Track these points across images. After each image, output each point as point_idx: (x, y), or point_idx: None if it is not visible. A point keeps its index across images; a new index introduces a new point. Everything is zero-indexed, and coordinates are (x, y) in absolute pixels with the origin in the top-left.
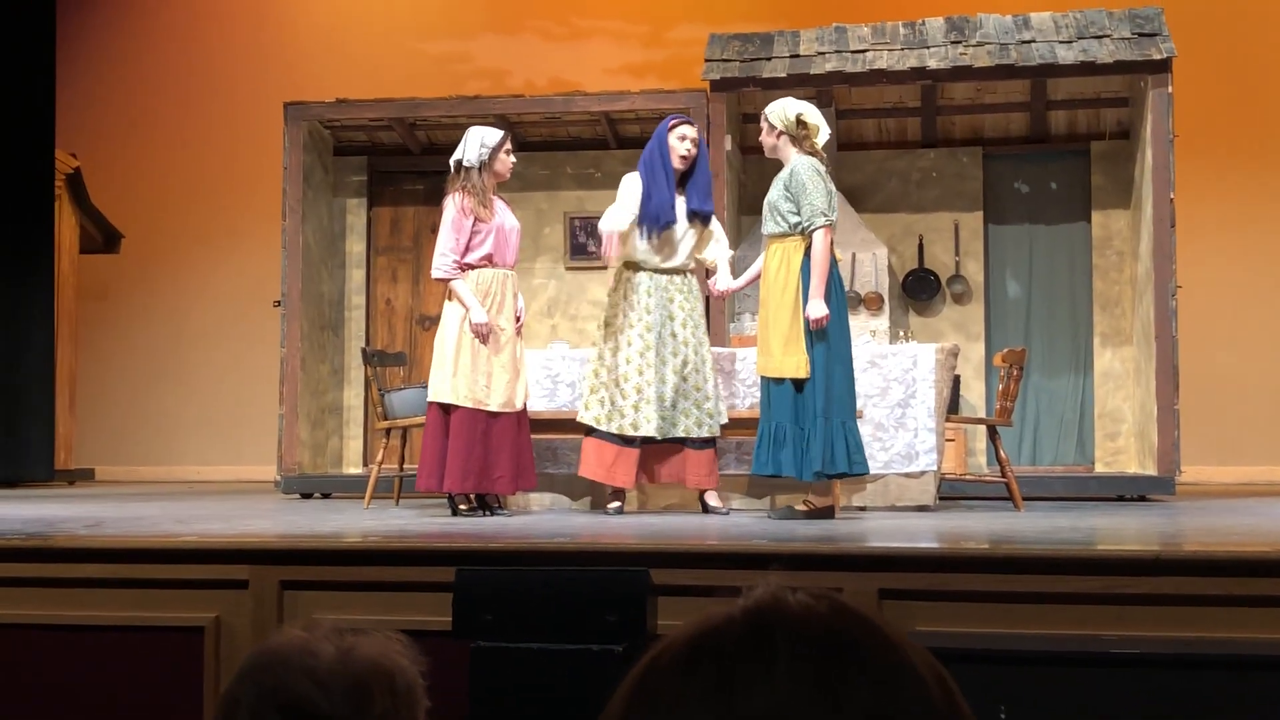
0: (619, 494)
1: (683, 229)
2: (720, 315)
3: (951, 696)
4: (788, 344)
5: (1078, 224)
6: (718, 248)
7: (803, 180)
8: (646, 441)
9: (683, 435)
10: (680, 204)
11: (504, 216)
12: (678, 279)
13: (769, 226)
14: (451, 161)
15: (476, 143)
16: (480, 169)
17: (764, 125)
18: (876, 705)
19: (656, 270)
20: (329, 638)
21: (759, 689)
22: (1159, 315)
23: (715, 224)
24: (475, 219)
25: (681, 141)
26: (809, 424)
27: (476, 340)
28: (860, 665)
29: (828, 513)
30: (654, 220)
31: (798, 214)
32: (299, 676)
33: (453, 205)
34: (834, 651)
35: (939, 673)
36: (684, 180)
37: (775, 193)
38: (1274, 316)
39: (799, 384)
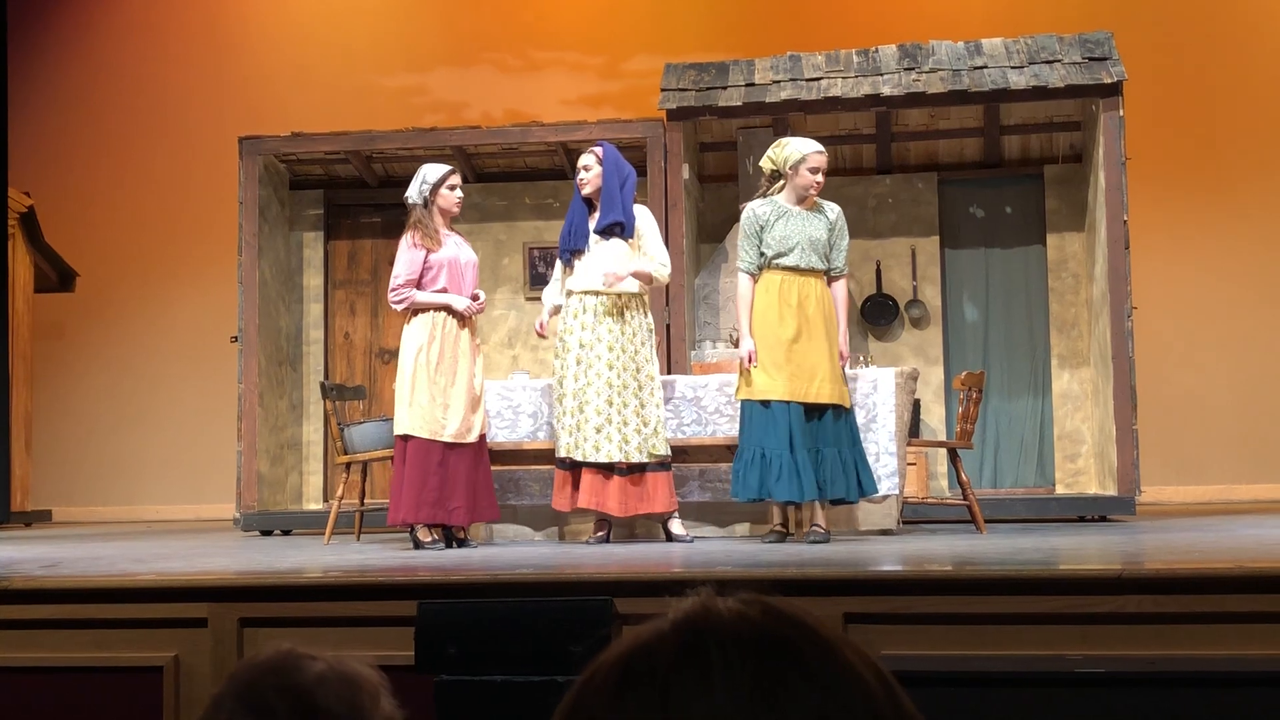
0: (599, 526)
1: (596, 251)
2: (681, 342)
3: (893, 693)
4: (836, 373)
5: (1033, 247)
6: (642, 258)
7: (844, 227)
8: (575, 465)
9: (605, 460)
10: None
11: (458, 250)
12: (606, 302)
13: (811, 260)
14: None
15: (419, 180)
16: (425, 205)
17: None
18: (818, 708)
19: (583, 294)
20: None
21: (696, 702)
22: (1115, 336)
23: (651, 242)
24: (426, 251)
25: (581, 172)
26: (848, 450)
27: (431, 370)
28: (798, 669)
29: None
30: (562, 248)
31: (839, 256)
32: (297, 670)
33: (405, 240)
34: (770, 657)
35: (879, 671)
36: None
37: (820, 232)
38: (1229, 335)
39: (839, 411)
